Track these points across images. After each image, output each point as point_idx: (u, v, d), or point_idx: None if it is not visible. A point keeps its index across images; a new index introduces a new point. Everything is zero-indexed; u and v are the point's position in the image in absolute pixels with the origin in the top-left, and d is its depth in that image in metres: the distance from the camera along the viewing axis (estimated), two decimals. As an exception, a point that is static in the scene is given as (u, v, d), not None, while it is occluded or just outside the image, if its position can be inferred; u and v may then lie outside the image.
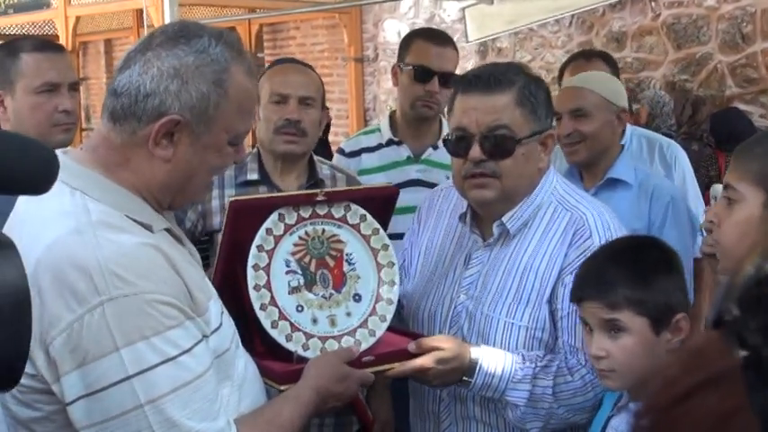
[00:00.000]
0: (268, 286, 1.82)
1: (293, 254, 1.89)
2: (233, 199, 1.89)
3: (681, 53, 5.98)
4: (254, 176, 2.59)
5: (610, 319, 1.69)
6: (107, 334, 1.34)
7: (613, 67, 3.51)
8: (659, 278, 1.71)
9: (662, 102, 5.25)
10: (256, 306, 1.80)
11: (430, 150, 3.06)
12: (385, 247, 1.98)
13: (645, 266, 1.72)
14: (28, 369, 1.35)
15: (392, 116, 3.18)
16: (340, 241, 1.95)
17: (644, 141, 3.40)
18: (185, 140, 1.48)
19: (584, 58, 3.59)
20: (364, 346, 1.86)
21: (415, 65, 3.01)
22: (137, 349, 1.36)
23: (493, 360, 1.87)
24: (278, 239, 1.87)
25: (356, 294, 1.93)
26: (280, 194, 2.28)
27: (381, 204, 2.05)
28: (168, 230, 1.56)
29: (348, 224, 1.96)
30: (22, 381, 1.37)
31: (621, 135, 3.02)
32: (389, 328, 1.95)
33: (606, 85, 2.90)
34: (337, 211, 1.95)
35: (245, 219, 1.84)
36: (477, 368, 1.86)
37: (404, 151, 3.09)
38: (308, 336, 1.84)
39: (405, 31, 7.54)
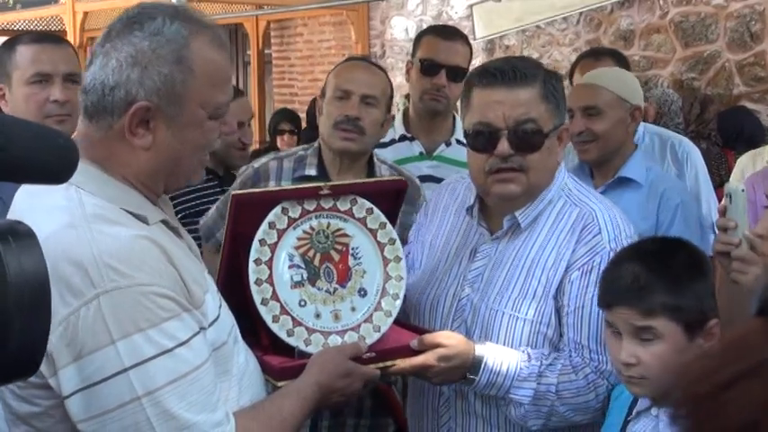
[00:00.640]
0: (270, 281, 1.81)
1: (297, 248, 1.87)
2: (235, 192, 1.88)
3: (689, 51, 5.95)
4: (312, 172, 2.57)
5: (644, 326, 1.65)
6: (103, 327, 1.34)
7: (624, 65, 3.49)
8: (693, 283, 1.67)
9: (670, 100, 5.22)
10: (257, 301, 1.78)
11: (442, 147, 3.07)
12: (392, 241, 1.96)
13: (678, 271, 1.68)
14: None
15: (405, 112, 3.21)
16: (346, 235, 1.93)
17: (656, 139, 3.39)
18: (161, 125, 1.47)
19: (594, 55, 3.58)
20: (368, 342, 1.84)
21: (423, 58, 3.06)
22: (133, 341, 1.35)
23: (498, 358, 1.85)
24: (281, 233, 1.85)
25: (361, 289, 1.91)
26: (283, 188, 2.25)
27: (390, 198, 2.04)
28: (165, 222, 1.55)
29: (354, 218, 1.94)
30: None
31: (635, 133, 3.00)
32: (395, 322, 1.94)
33: (621, 81, 2.86)
34: (343, 205, 1.93)
35: (249, 212, 1.83)
36: (482, 366, 1.84)
37: (416, 147, 3.10)
38: (311, 331, 1.82)
39: (412, 28, 7.55)
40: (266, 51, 9.11)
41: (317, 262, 1.89)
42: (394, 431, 2.46)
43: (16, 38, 2.57)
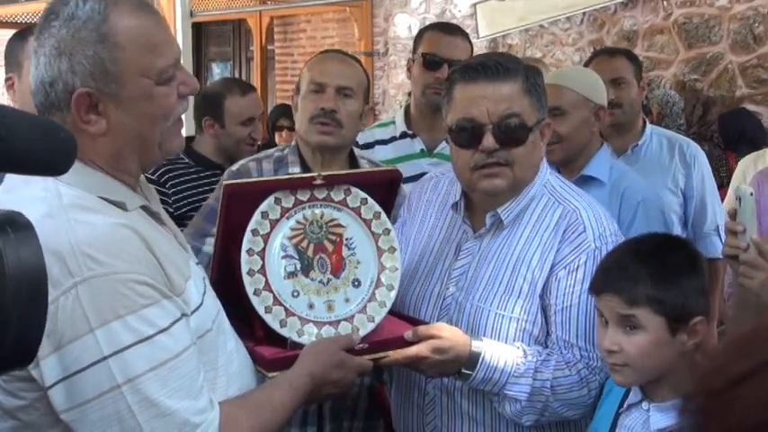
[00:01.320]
0: (263, 271, 1.79)
1: (290, 238, 1.85)
2: (227, 183, 1.87)
3: (692, 53, 5.94)
4: (296, 170, 2.51)
5: (627, 314, 1.68)
6: (81, 315, 1.33)
7: (637, 64, 3.47)
8: (681, 279, 1.69)
9: (672, 101, 5.22)
10: (250, 291, 1.77)
11: (443, 144, 3.05)
12: (386, 231, 1.94)
13: (668, 266, 1.70)
14: None
15: (407, 109, 3.19)
16: (340, 225, 1.91)
17: (664, 141, 3.38)
18: (110, 106, 1.45)
19: (608, 54, 3.55)
20: (362, 333, 1.83)
21: (425, 53, 3.06)
22: (111, 329, 1.34)
23: (495, 354, 1.84)
24: (274, 224, 1.83)
25: (355, 280, 1.90)
26: (276, 178, 2.23)
27: (384, 188, 2.02)
28: (146, 208, 1.53)
29: (348, 207, 1.92)
30: None
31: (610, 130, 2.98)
32: (391, 313, 1.92)
33: (585, 81, 2.83)
34: (337, 195, 1.92)
35: (241, 203, 1.81)
36: (480, 361, 1.83)
37: (417, 144, 3.09)
38: (304, 321, 1.81)
39: (415, 25, 7.54)
40: (269, 47, 9.11)
41: (310, 252, 1.87)
42: None
43: (28, 28, 2.60)
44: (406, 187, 2.24)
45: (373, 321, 1.87)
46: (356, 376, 1.78)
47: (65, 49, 1.43)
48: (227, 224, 1.83)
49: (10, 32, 2.96)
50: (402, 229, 2.20)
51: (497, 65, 1.92)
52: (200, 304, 1.53)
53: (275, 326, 1.78)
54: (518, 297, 1.92)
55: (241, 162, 2.58)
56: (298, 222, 1.87)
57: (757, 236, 1.87)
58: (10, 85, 2.53)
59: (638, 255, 1.73)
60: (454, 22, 6.66)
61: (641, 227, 2.61)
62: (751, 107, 5.60)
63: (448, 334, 1.83)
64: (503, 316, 1.92)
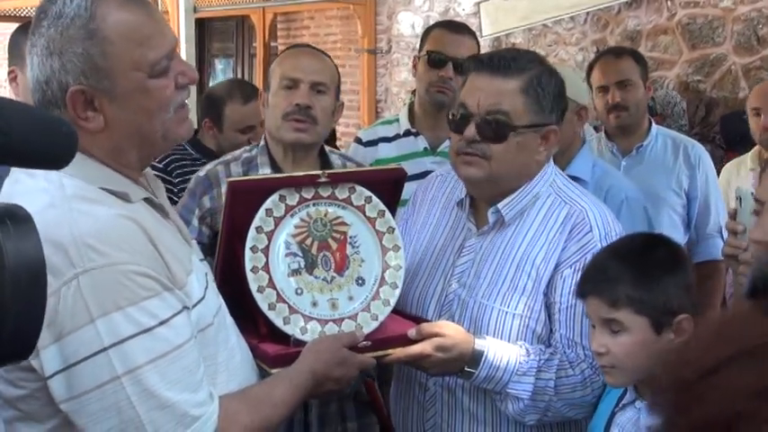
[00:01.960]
0: (266, 268, 1.80)
1: (294, 236, 1.86)
2: (231, 180, 1.86)
3: (695, 53, 5.93)
4: (266, 170, 2.43)
5: (609, 318, 1.69)
6: (82, 306, 1.34)
7: (643, 65, 3.46)
8: (663, 277, 1.69)
9: (673, 102, 5.21)
10: (253, 288, 1.77)
11: (447, 142, 3.04)
12: (391, 230, 1.95)
13: (649, 265, 1.70)
14: None
15: (411, 107, 3.18)
16: (344, 223, 1.92)
17: (669, 141, 3.38)
18: (105, 102, 1.46)
19: (614, 54, 3.54)
20: (366, 331, 1.83)
21: (431, 51, 3.04)
22: (112, 320, 1.35)
23: (498, 352, 1.85)
24: (278, 221, 1.84)
25: (359, 278, 1.90)
26: (281, 175, 2.21)
27: (389, 187, 2.02)
28: (149, 201, 1.54)
29: (353, 205, 1.93)
30: None
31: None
32: (394, 311, 1.92)
33: (567, 81, 2.84)
34: (341, 193, 1.92)
35: (245, 200, 1.82)
36: (483, 360, 1.83)
37: (421, 142, 3.08)
38: (307, 319, 1.81)
39: (419, 23, 7.53)
40: (272, 44, 9.09)
41: (314, 250, 1.87)
42: (382, 428, 2.44)
43: (32, 22, 2.58)
44: (409, 185, 2.24)
45: (377, 320, 1.87)
46: (358, 374, 1.78)
47: (55, 48, 1.43)
48: (232, 221, 1.83)
49: (13, 26, 2.95)
50: (406, 225, 2.20)
51: (503, 60, 1.93)
52: (202, 298, 1.53)
53: (279, 323, 1.78)
54: (522, 294, 1.92)
55: (208, 167, 2.50)
56: (302, 220, 1.87)
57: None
58: (13, 78, 2.53)
59: (619, 256, 1.75)
60: (458, 20, 6.65)
61: (626, 225, 2.63)
62: (754, 109, 5.58)
63: (451, 332, 1.84)
64: (506, 312, 1.92)
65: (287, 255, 1.84)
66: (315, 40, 8.72)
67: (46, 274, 0.90)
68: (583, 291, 1.77)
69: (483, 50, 3.33)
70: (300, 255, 1.86)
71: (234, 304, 1.70)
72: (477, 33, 6.63)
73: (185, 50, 7.97)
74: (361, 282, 1.90)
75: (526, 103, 1.92)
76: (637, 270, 1.69)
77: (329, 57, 2.64)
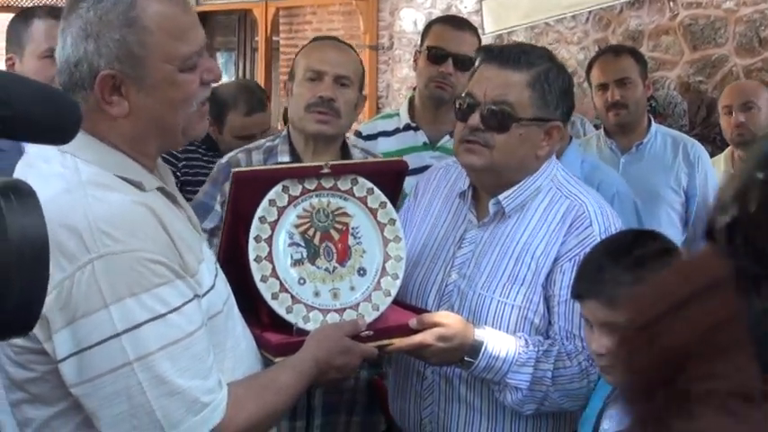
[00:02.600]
0: (269, 258, 1.81)
1: (297, 226, 1.87)
2: (236, 170, 1.88)
3: (696, 54, 5.94)
4: (284, 159, 2.46)
5: (608, 320, 1.68)
6: (96, 291, 1.35)
7: (642, 63, 3.48)
8: (659, 273, 1.69)
9: (674, 102, 5.23)
10: (257, 278, 1.79)
11: (447, 137, 3.04)
12: (392, 221, 1.96)
13: (644, 264, 1.69)
14: None
15: (411, 101, 3.18)
16: (346, 214, 1.93)
17: (668, 140, 3.40)
18: (132, 89, 1.47)
19: (614, 52, 3.56)
20: (367, 321, 1.85)
21: (432, 46, 3.05)
22: (125, 306, 1.36)
23: (497, 342, 1.86)
24: (281, 211, 1.85)
25: (361, 269, 1.92)
26: (284, 166, 2.24)
27: (390, 179, 2.04)
28: (162, 190, 1.55)
29: (355, 197, 1.94)
30: (17, 341, 1.38)
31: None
32: (395, 302, 1.94)
33: None
34: (344, 184, 1.94)
35: (249, 190, 1.83)
36: (482, 350, 1.85)
37: (420, 137, 3.08)
38: (309, 308, 1.83)
39: (421, 20, 7.53)
40: (274, 38, 9.10)
41: (316, 241, 1.89)
42: (385, 430, 2.45)
43: (33, 10, 2.59)
44: (408, 180, 2.26)
45: (378, 310, 1.89)
46: (360, 362, 1.80)
47: (92, 31, 1.45)
48: (236, 211, 1.85)
49: (9, 17, 2.95)
50: (408, 216, 2.22)
51: (514, 53, 1.96)
52: (212, 286, 1.55)
53: (281, 312, 1.80)
54: (521, 285, 1.94)
55: (230, 155, 2.55)
56: (305, 210, 1.89)
57: None
58: (11, 65, 2.53)
59: (611, 255, 1.74)
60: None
61: None
62: (754, 110, 5.59)
63: (452, 322, 1.86)
64: (505, 303, 1.94)
65: (290, 245, 1.86)
66: (317, 36, 8.72)
67: (49, 248, 0.91)
68: (579, 292, 1.77)
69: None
70: (303, 245, 1.87)
71: (235, 294, 1.72)
72: (480, 31, 6.66)
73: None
74: (362, 272, 1.92)
75: (532, 97, 1.94)
76: (632, 269, 1.68)
77: (354, 50, 2.65)
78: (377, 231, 1.95)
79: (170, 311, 1.41)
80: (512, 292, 1.94)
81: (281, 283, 1.81)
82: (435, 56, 3.02)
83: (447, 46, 3.02)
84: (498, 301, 1.95)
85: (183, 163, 3.28)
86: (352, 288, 1.90)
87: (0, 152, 2.41)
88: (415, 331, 1.84)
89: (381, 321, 1.88)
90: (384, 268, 1.93)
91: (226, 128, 3.42)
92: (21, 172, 1.49)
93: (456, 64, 2.97)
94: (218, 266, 1.66)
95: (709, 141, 5.12)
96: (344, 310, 1.86)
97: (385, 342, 1.83)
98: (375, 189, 1.96)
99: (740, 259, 0.43)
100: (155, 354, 1.39)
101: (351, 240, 1.92)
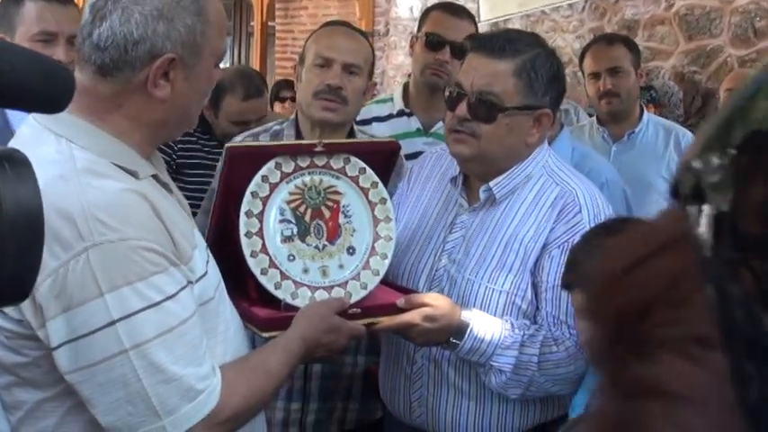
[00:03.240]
0: (260, 234, 1.82)
1: (288, 203, 1.88)
2: (230, 145, 1.89)
3: (692, 44, 5.95)
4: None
5: None
6: (91, 279, 1.35)
7: (635, 52, 3.48)
8: None
9: (670, 92, 5.23)
10: (247, 253, 1.80)
11: (440, 124, 3.03)
12: (383, 201, 1.97)
13: None
14: (14, 314, 1.37)
15: (405, 87, 3.17)
16: (337, 192, 1.94)
17: (660, 129, 3.41)
18: (180, 75, 1.49)
19: (606, 41, 3.56)
20: (355, 299, 1.86)
21: (429, 33, 3.03)
22: (121, 294, 1.37)
23: (483, 325, 1.87)
24: (273, 187, 1.86)
25: (350, 247, 1.93)
26: (278, 143, 2.26)
27: (383, 159, 2.05)
28: (155, 177, 1.56)
29: (347, 176, 1.95)
30: (9, 326, 1.39)
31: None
32: (383, 282, 1.95)
33: None
34: (336, 163, 1.95)
35: (242, 165, 1.84)
36: (468, 331, 1.86)
37: (414, 123, 3.07)
38: (298, 285, 1.84)
39: (417, 7, 7.52)
40: (270, 24, 9.08)
41: (307, 218, 1.90)
42: (381, 417, 2.46)
43: None
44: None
45: (366, 289, 1.90)
46: (348, 341, 1.81)
47: (167, 13, 1.46)
48: (228, 185, 1.86)
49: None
50: (400, 200, 2.22)
51: (500, 42, 1.95)
52: (205, 273, 1.56)
53: (270, 287, 1.80)
54: (509, 272, 1.95)
55: (237, 139, 2.59)
56: (297, 187, 1.89)
57: None
58: None
59: (599, 244, 1.72)
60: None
61: None
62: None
63: (439, 303, 1.87)
64: (492, 289, 1.95)
65: (281, 221, 1.87)
66: (313, 21, 8.71)
67: (43, 218, 0.91)
68: (568, 282, 1.78)
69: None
70: (294, 222, 1.88)
71: (223, 268, 1.72)
72: (476, 18, 6.66)
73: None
74: (351, 251, 1.92)
75: (518, 86, 1.94)
76: None
77: (365, 36, 2.64)
78: (367, 210, 1.96)
79: (165, 299, 1.41)
80: (500, 279, 1.95)
81: (271, 259, 1.82)
82: (432, 43, 3.00)
83: (445, 33, 3.00)
84: (486, 286, 1.96)
85: (180, 146, 3.28)
86: (341, 266, 1.90)
87: None
88: (403, 311, 1.85)
89: (369, 300, 1.89)
90: (373, 247, 1.94)
91: (222, 112, 3.41)
92: None
93: (453, 52, 2.97)
94: (210, 253, 1.66)
95: (703, 131, 5.13)
96: (333, 287, 1.87)
97: (372, 320, 1.83)
98: (367, 169, 1.97)
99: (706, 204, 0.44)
100: (150, 342, 1.39)
101: (341, 219, 1.93)
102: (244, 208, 1.81)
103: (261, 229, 1.82)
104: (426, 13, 3.19)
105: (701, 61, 5.91)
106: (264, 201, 1.84)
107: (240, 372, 1.57)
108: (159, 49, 1.46)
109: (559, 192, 1.98)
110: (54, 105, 1.01)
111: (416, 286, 2.05)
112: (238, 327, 1.70)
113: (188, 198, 1.77)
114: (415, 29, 3.23)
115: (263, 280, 1.80)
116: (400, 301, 1.86)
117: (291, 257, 1.86)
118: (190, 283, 1.49)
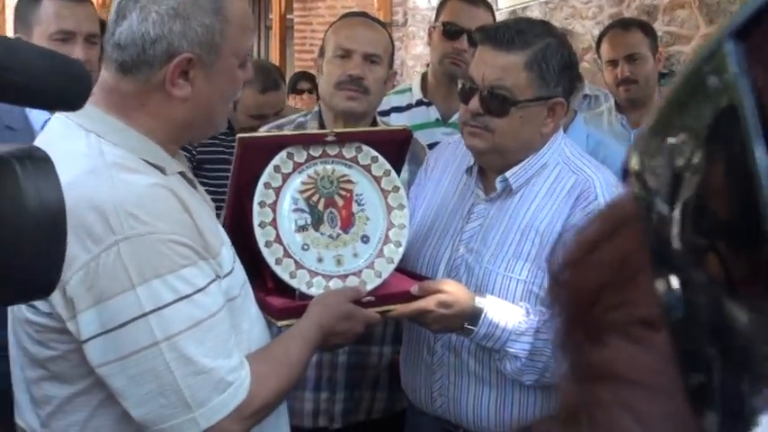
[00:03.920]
0: (274, 224, 1.83)
1: (301, 192, 1.89)
2: (241, 136, 1.89)
3: (712, 28, 5.89)
4: None
5: None
6: (123, 272, 1.36)
7: (652, 36, 3.44)
8: None
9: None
10: (261, 243, 1.81)
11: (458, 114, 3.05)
12: (396, 188, 1.97)
13: None
14: (44, 307, 1.39)
15: (424, 77, 3.18)
16: (350, 181, 1.95)
17: None
18: (200, 75, 1.50)
19: (622, 26, 3.52)
20: (369, 287, 1.86)
21: (447, 22, 3.04)
22: (152, 287, 1.38)
23: (498, 310, 1.88)
24: (286, 177, 1.87)
25: (364, 236, 1.93)
26: (290, 133, 2.27)
27: (395, 147, 2.05)
28: (182, 174, 1.57)
29: (359, 164, 1.96)
30: (39, 319, 1.40)
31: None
32: (398, 270, 1.95)
33: None
34: (348, 152, 1.95)
35: (255, 156, 1.85)
36: (482, 317, 1.86)
37: (433, 113, 3.08)
38: (313, 274, 1.85)
39: (435, -4, 7.50)
40: (288, 16, 9.09)
41: (321, 207, 1.91)
42: (407, 407, 2.48)
43: None
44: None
45: (380, 277, 1.90)
46: (363, 328, 1.82)
47: (183, 12, 1.46)
48: (241, 176, 1.86)
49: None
50: (417, 189, 2.23)
51: (508, 34, 1.94)
52: (232, 270, 1.57)
53: (285, 277, 1.82)
54: (525, 260, 1.95)
55: (262, 130, 2.61)
56: (309, 177, 1.90)
57: None
58: None
59: None
60: (474, -7, 6.62)
61: None
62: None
63: (453, 289, 1.87)
64: (510, 278, 1.95)
65: (294, 210, 1.87)
66: (331, 12, 8.71)
67: (65, 214, 0.93)
68: None
69: (498, 22, 3.32)
70: (307, 211, 1.89)
71: (241, 259, 1.74)
72: (494, 6, 6.63)
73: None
74: (365, 239, 1.93)
75: (529, 78, 1.93)
76: None
77: (384, 26, 2.65)
78: (381, 199, 1.96)
79: (195, 292, 1.42)
80: (516, 267, 1.95)
81: (285, 249, 1.83)
82: (450, 32, 3.01)
83: (462, 22, 3.00)
84: (503, 275, 1.96)
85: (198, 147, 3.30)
86: (356, 255, 1.91)
87: (11, 131, 2.42)
88: (417, 298, 1.85)
89: (384, 288, 1.90)
90: (387, 236, 1.94)
91: (239, 106, 3.42)
92: (42, 146, 1.51)
93: (470, 40, 2.96)
94: (235, 252, 1.67)
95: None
96: (347, 276, 1.88)
97: (387, 308, 1.84)
98: (379, 157, 1.97)
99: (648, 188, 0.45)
100: (181, 334, 1.40)
101: (355, 207, 1.94)
102: (257, 198, 1.82)
103: (274, 219, 1.83)
104: (444, 2, 3.18)
105: (721, 45, 5.84)
106: (277, 191, 1.85)
107: (266, 363, 1.58)
108: (176, 48, 1.46)
109: (576, 180, 1.98)
110: (70, 103, 1.03)
111: (436, 276, 2.05)
112: (263, 327, 1.71)
113: (209, 193, 1.78)
114: (434, 18, 3.23)
115: (277, 270, 1.81)
116: (414, 288, 1.86)
117: (306, 247, 1.87)
118: (218, 277, 1.50)
